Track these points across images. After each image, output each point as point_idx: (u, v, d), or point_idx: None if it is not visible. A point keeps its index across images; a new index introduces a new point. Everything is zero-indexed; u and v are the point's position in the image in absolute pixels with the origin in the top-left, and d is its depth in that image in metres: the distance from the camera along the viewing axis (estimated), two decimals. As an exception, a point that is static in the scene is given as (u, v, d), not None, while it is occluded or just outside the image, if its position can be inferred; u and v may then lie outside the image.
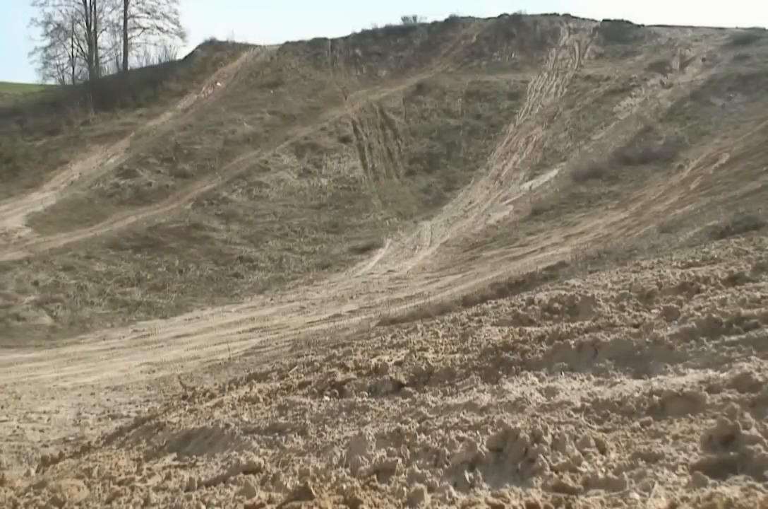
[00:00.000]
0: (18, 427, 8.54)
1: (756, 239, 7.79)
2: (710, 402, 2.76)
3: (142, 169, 28.32)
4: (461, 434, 2.92)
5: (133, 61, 41.53)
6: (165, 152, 29.44)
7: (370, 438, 3.10)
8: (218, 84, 36.47)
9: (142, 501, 3.14)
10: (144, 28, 41.49)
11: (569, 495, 2.31)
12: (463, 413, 3.27)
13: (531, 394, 3.34)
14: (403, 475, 2.70)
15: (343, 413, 3.82)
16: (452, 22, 40.02)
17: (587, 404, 3.06)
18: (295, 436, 3.64)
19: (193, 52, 40.04)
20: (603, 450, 2.61)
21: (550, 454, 2.59)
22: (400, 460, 2.81)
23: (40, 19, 42.28)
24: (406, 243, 22.14)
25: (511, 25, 38.40)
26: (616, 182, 23.09)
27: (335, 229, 23.59)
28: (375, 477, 2.72)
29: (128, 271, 20.72)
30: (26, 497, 3.70)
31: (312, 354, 7.08)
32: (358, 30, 40.83)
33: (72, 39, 41.01)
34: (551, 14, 39.98)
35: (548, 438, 2.67)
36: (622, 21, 37.99)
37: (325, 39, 40.26)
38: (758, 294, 4.23)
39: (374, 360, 4.89)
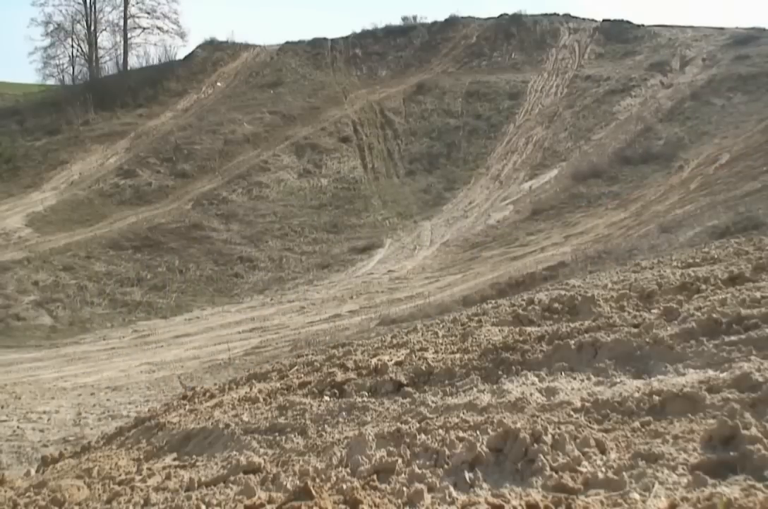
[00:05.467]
0: (18, 427, 8.55)
1: (756, 239, 7.80)
2: (710, 402, 2.77)
3: (142, 169, 28.31)
4: (461, 434, 2.92)
5: (133, 61, 41.57)
6: (165, 152, 29.44)
7: (370, 438, 3.10)
8: (218, 84, 36.46)
9: (142, 501, 3.14)
10: (144, 28, 41.52)
11: (569, 495, 2.31)
12: (463, 413, 3.27)
13: (531, 394, 3.34)
14: (403, 475, 2.70)
15: (343, 413, 3.82)
16: (452, 22, 40.00)
17: (587, 404, 3.06)
18: (295, 436, 3.64)
19: (193, 52, 40.03)
20: (603, 450, 2.61)
21: (550, 454, 2.59)
22: (400, 460, 2.81)
23: (40, 19, 42.16)
24: (406, 243, 22.14)
25: (511, 25, 38.39)
26: (616, 182, 23.09)
27: (335, 229, 23.59)
28: (375, 477, 2.72)
29: (128, 271, 20.72)
30: (26, 497, 3.70)
31: (312, 354, 7.07)
32: (358, 30, 40.91)
33: (72, 39, 41.03)
34: (551, 14, 39.97)
35: (548, 438, 2.67)
36: (622, 21, 37.98)
37: (325, 39, 40.25)
38: (758, 294, 4.23)
39: (374, 360, 4.89)
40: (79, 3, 40.11)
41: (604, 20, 38.57)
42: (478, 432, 2.90)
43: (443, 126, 30.00)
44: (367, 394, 4.16)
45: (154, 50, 65.90)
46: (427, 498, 2.49)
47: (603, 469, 2.44)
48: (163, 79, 36.71)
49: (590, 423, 2.88)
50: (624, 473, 2.36)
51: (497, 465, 2.65)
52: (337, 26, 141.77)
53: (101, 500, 3.36)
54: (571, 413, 2.99)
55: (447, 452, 2.78)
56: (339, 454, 3.10)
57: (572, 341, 3.99)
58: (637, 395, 3.01)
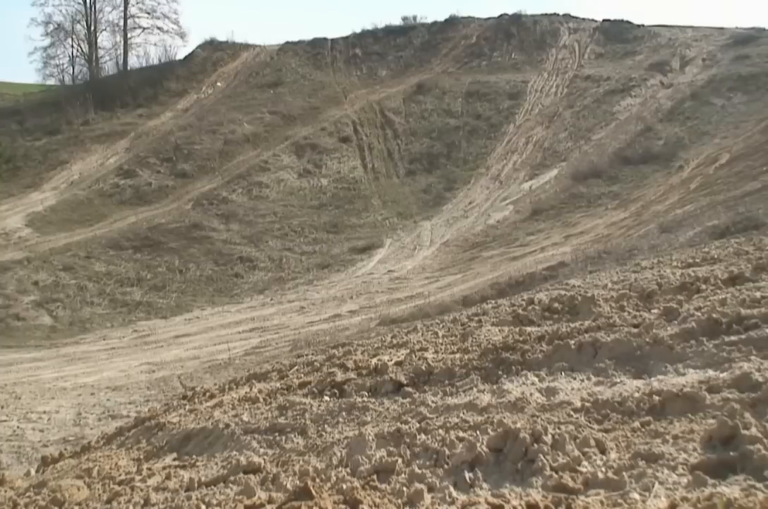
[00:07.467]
0: (18, 427, 8.55)
1: (756, 239, 7.80)
2: (710, 402, 2.77)
3: (142, 169, 28.31)
4: (461, 434, 2.92)
5: (133, 61, 41.55)
6: (165, 152, 29.44)
7: (370, 438, 3.10)
8: (218, 84, 36.47)
9: (142, 501, 3.14)
10: (144, 28, 41.49)
11: (569, 495, 2.31)
12: (463, 413, 3.27)
13: (531, 394, 3.34)
14: (403, 475, 2.70)
15: (343, 413, 3.83)
16: (452, 22, 40.02)
17: (587, 404, 3.06)
18: (295, 436, 3.64)
19: (193, 52, 40.03)
20: (603, 450, 2.61)
21: (550, 454, 2.59)
22: (400, 460, 2.81)
23: (40, 19, 42.11)
24: (406, 243, 22.14)
25: (511, 25, 38.41)
26: (616, 182, 23.10)
27: (335, 229, 23.59)
28: (375, 477, 2.72)
29: (128, 271, 20.72)
30: (26, 497, 3.70)
31: (312, 354, 7.07)
32: (358, 30, 40.94)
33: (72, 39, 41.00)
34: (551, 14, 39.98)
35: (548, 438, 2.67)
36: (622, 21, 38.01)
37: (325, 39, 40.26)
38: (758, 294, 4.23)
39: (374, 360, 4.89)
40: (79, 3, 40.13)
41: (604, 20, 38.61)
42: (478, 432, 2.90)
43: (443, 126, 30.01)
44: (367, 394, 4.16)
45: (154, 50, 65.97)
46: (427, 498, 2.49)
47: (603, 469, 2.44)
48: (163, 79, 36.72)
49: (590, 423, 2.88)
50: (624, 473, 2.36)
51: (497, 465, 2.65)
52: (337, 26, 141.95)
53: (101, 500, 3.36)
54: (571, 413, 2.99)
55: (447, 452, 2.78)
56: (339, 454, 3.10)
57: (572, 341, 3.99)
58: (637, 395, 3.01)
